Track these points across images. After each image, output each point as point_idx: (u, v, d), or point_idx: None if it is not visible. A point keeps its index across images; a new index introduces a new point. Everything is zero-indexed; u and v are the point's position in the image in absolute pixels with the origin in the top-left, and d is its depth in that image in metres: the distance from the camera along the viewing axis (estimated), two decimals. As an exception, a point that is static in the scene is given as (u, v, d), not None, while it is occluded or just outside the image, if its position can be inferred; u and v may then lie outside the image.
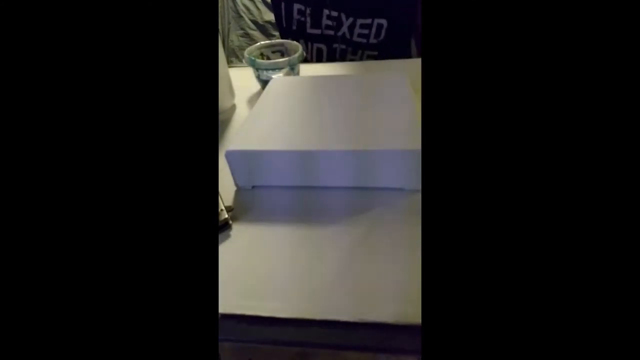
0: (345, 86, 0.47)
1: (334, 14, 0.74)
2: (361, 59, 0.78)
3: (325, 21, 0.75)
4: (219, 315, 0.26)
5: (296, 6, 0.77)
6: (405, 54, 0.79)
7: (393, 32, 0.74)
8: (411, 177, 0.35)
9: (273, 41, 0.63)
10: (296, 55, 0.57)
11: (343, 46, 0.78)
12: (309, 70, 0.65)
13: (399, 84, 0.46)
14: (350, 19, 0.73)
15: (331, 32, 0.77)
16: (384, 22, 0.73)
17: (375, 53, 0.77)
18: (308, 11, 0.76)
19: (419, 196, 0.35)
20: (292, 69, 0.58)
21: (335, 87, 0.47)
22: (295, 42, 0.61)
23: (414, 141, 0.34)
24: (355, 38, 0.75)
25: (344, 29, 0.75)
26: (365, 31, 0.74)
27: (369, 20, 0.73)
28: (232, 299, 0.27)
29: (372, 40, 0.75)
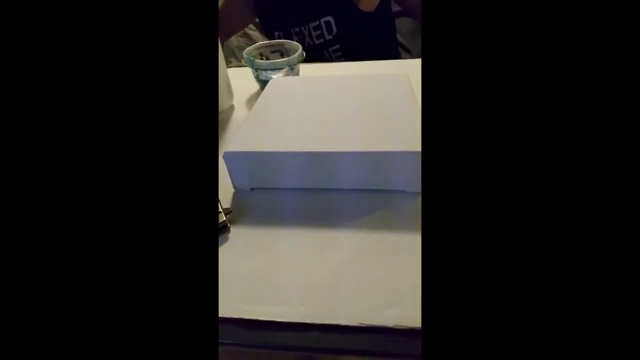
0: (344, 87, 0.46)
1: (298, 29, 0.85)
2: (330, 56, 0.86)
3: (294, 38, 0.86)
4: (219, 319, 0.26)
5: (276, 33, 0.88)
6: (369, 37, 0.85)
7: (342, 24, 0.82)
8: (414, 179, 0.35)
9: (272, 41, 0.63)
10: (295, 55, 0.57)
11: (312, 53, 0.85)
12: (308, 70, 0.65)
13: (400, 84, 0.45)
14: (305, 28, 0.84)
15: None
16: (329, 18, 0.81)
17: (338, 46, 0.84)
18: (281, 34, 0.88)
19: (420, 198, 0.35)
20: (292, 69, 0.58)
21: (335, 88, 0.46)
22: (294, 43, 0.60)
23: (417, 142, 0.34)
24: (316, 42, 0.85)
25: (307, 39, 0.85)
26: (318, 32, 0.83)
27: (316, 22, 0.82)
28: (231, 302, 0.27)
29: (328, 37, 0.83)
